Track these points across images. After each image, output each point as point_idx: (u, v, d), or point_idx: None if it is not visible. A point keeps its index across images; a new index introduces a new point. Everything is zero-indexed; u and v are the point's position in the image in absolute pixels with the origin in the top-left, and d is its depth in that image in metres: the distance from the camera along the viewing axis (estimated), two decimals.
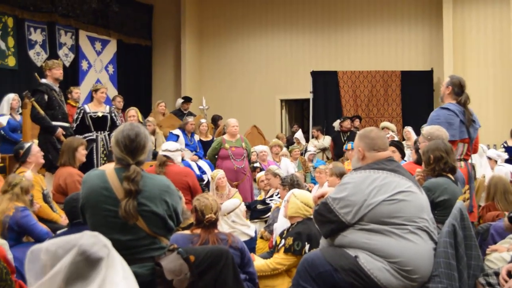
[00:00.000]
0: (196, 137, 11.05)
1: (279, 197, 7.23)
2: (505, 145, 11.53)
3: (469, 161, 6.00)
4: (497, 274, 3.71)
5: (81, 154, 6.92)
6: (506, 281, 3.57)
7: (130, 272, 3.18)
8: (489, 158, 9.35)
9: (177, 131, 10.58)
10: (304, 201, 5.11)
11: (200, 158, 10.28)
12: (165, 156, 7.08)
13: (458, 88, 5.91)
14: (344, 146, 10.43)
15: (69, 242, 3.06)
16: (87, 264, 2.99)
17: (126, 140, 3.56)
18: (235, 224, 6.02)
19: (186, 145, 10.18)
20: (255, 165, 9.68)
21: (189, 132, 10.72)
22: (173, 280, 3.48)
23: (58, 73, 8.23)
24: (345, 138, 12.52)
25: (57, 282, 2.97)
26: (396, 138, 11.04)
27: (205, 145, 10.67)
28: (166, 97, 16.00)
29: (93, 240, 3.07)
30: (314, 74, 15.37)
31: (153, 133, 10.52)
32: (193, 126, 10.92)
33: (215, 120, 13.76)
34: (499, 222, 5.60)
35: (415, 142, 6.63)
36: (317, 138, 13.72)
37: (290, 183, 6.40)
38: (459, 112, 5.77)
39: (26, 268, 3.13)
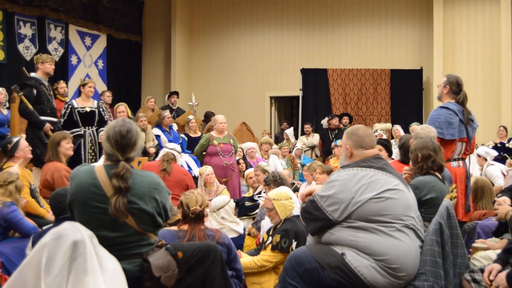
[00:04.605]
0: (174, 127, 11.05)
1: (267, 194, 7.23)
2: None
3: (466, 160, 6.02)
4: (482, 271, 3.73)
5: (65, 148, 6.83)
6: (490, 284, 3.59)
7: (113, 266, 3.20)
8: (478, 156, 9.39)
9: (157, 131, 10.56)
10: (284, 196, 5.12)
11: (186, 153, 10.28)
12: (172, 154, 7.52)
13: (456, 87, 5.90)
14: (334, 143, 10.45)
15: (49, 231, 3.16)
16: (58, 245, 3.03)
17: (117, 136, 3.54)
18: (224, 221, 6.01)
19: (169, 141, 10.14)
20: (237, 157, 9.64)
21: (166, 126, 10.71)
22: (161, 277, 3.47)
23: (50, 68, 8.20)
24: (333, 136, 12.56)
25: (34, 265, 3.03)
26: (385, 137, 11.07)
27: (194, 141, 10.64)
28: (156, 93, 15.95)
29: (68, 226, 3.13)
30: (304, 71, 15.40)
31: (145, 129, 10.46)
32: (170, 119, 10.92)
33: (208, 116, 13.72)
34: (486, 221, 5.63)
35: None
36: (308, 134, 13.74)
37: (273, 180, 6.38)
38: (459, 111, 5.77)
39: None
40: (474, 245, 4.54)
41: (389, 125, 13.21)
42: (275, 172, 6.94)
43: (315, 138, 13.55)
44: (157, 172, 6.92)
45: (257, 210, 7.01)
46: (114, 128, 3.58)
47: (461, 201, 5.72)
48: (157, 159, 8.09)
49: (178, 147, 7.97)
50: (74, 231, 3.10)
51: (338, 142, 9.87)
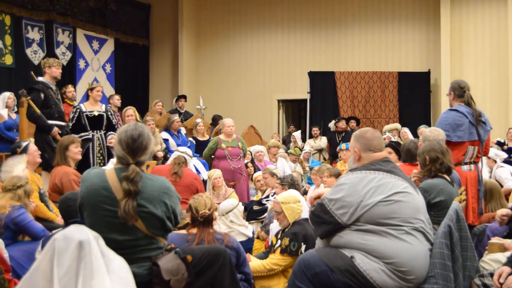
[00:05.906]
0: (183, 131, 11.06)
1: (275, 198, 7.22)
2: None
3: (478, 163, 6.01)
4: (492, 275, 3.71)
5: (74, 152, 6.82)
6: (500, 287, 3.57)
7: (120, 265, 3.22)
8: (488, 158, 9.34)
9: (165, 135, 10.57)
10: (292, 199, 5.12)
11: (194, 156, 10.28)
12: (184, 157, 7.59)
13: (459, 91, 5.96)
14: (339, 146, 10.44)
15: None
16: (64, 246, 3.06)
17: (128, 139, 3.58)
18: (233, 224, 5.99)
19: (178, 145, 10.14)
20: (245, 161, 9.65)
21: (175, 130, 10.72)
22: (170, 280, 3.48)
23: (58, 72, 8.22)
24: (339, 139, 12.53)
25: (42, 269, 3.05)
26: (393, 138, 11.04)
27: (202, 144, 10.65)
28: (163, 97, 16.00)
29: (73, 228, 3.17)
30: (312, 74, 15.37)
31: (153, 132, 10.44)
32: (179, 123, 10.93)
33: (216, 119, 13.72)
34: (495, 223, 5.59)
35: None
36: (316, 137, 13.73)
37: (291, 183, 6.38)
38: (468, 113, 5.80)
39: None
40: (490, 242, 4.52)
41: (397, 125, 13.11)
42: (293, 175, 6.95)
43: (323, 141, 13.52)
44: (167, 175, 6.94)
45: (265, 214, 7.00)
46: (126, 131, 3.61)
47: (473, 205, 5.71)
48: (167, 162, 8.10)
49: (189, 151, 7.98)
50: (79, 232, 3.13)
51: (343, 145, 9.86)
